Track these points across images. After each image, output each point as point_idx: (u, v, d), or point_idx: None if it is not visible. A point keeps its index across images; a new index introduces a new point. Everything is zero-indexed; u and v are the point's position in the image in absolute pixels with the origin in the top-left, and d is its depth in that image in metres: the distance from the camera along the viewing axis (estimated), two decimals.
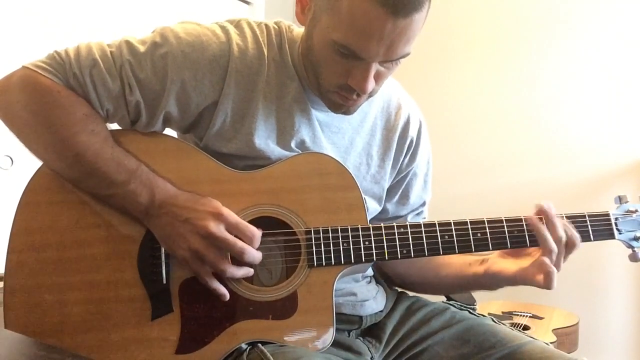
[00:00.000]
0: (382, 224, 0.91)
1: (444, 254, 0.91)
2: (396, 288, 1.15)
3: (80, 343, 0.84)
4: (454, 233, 0.90)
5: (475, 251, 0.91)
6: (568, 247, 0.90)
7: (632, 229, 0.95)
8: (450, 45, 2.80)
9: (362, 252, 0.89)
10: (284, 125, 0.93)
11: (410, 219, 1.10)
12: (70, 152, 0.84)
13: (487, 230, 0.91)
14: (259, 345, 0.85)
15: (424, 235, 0.90)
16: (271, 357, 0.81)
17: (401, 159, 1.05)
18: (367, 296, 1.01)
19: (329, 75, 0.85)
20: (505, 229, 0.91)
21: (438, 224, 0.91)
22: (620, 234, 0.94)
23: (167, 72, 0.86)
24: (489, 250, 0.92)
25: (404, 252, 0.90)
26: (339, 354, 0.92)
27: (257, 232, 0.84)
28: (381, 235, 0.90)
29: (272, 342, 0.86)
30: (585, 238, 0.92)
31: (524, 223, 0.92)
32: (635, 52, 2.41)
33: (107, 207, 0.87)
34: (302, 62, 0.92)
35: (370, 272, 1.07)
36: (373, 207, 1.02)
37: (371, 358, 0.97)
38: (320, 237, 0.89)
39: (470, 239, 0.91)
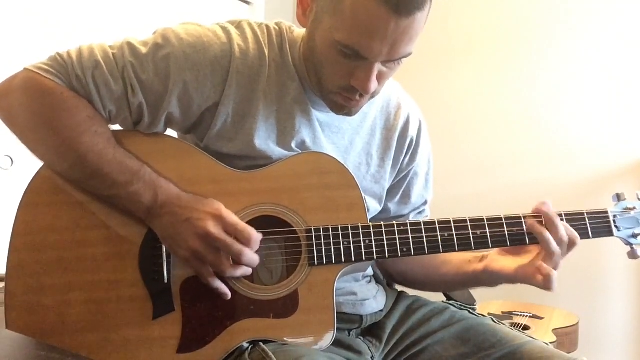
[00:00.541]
0: (382, 223, 0.91)
1: (444, 251, 0.91)
2: (396, 287, 1.15)
3: (81, 343, 0.84)
4: (453, 231, 0.91)
5: (475, 249, 0.92)
6: (568, 246, 0.90)
7: (630, 226, 0.95)
8: (450, 45, 2.80)
9: (363, 251, 0.89)
10: (284, 125, 0.93)
11: (412, 218, 1.10)
12: (73, 153, 0.85)
13: (487, 229, 0.91)
14: (261, 344, 0.85)
15: (424, 233, 0.90)
16: (273, 356, 0.81)
17: (401, 159, 1.06)
18: (368, 295, 1.01)
19: (332, 76, 0.85)
20: (505, 227, 0.91)
21: (438, 222, 0.91)
22: (618, 231, 0.94)
23: (169, 73, 0.86)
24: (488, 248, 0.92)
25: (404, 250, 0.90)
26: (340, 353, 0.92)
27: (255, 235, 0.84)
28: (381, 233, 0.90)
29: (274, 340, 0.86)
30: (583, 235, 0.92)
31: (523, 221, 0.92)
32: (635, 52, 2.41)
33: (108, 207, 0.87)
34: (303, 63, 0.92)
35: (370, 271, 1.07)
36: (373, 207, 1.03)
37: (371, 357, 0.97)
38: (320, 236, 0.89)
39: (470, 237, 0.91)
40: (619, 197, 0.97)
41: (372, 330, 1.02)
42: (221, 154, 0.91)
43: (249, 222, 0.87)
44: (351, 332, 1.00)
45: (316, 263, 0.88)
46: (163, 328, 0.86)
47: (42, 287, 0.85)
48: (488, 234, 0.91)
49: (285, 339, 0.87)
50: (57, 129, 0.84)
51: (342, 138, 0.99)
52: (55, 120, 0.84)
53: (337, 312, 0.89)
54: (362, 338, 1.00)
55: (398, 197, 1.08)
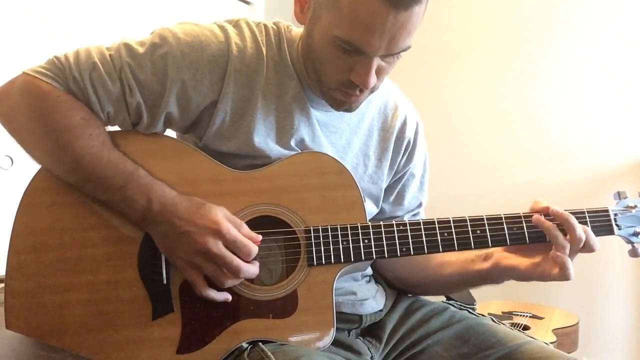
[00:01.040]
0: (381, 222, 0.91)
1: (443, 251, 0.91)
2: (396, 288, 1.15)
3: (81, 343, 0.84)
4: (453, 230, 0.91)
5: (475, 248, 0.92)
6: (584, 245, 0.89)
7: (631, 225, 0.95)
8: (450, 45, 2.80)
9: (362, 250, 0.89)
10: (283, 124, 0.93)
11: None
12: (68, 157, 0.85)
13: (487, 228, 0.91)
14: (260, 344, 0.85)
15: (423, 233, 0.90)
16: (272, 356, 0.81)
17: (398, 160, 1.06)
18: (367, 295, 1.01)
19: (331, 72, 0.85)
20: (505, 226, 0.91)
21: (437, 221, 0.91)
22: (619, 229, 0.94)
23: (167, 72, 0.86)
24: (488, 247, 0.92)
25: (404, 249, 0.90)
26: (339, 353, 0.91)
27: (254, 249, 0.84)
28: (380, 233, 0.90)
29: (273, 341, 0.86)
30: None
31: (523, 220, 0.92)
32: (635, 52, 2.41)
33: (107, 208, 0.87)
34: (301, 61, 0.92)
35: (369, 271, 1.07)
36: (370, 208, 1.02)
37: (371, 358, 0.97)
38: (319, 236, 0.89)
39: (469, 236, 0.91)
40: (619, 196, 0.97)
41: (372, 331, 1.02)
42: (220, 153, 0.91)
43: (248, 222, 0.87)
44: (351, 332, 1.00)
45: (315, 263, 0.88)
46: (162, 329, 0.85)
47: (41, 287, 0.85)
48: (488, 234, 0.91)
49: (284, 339, 0.87)
50: (53, 133, 0.84)
51: (339, 138, 0.99)
52: (50, 123, 0.84)
53: (336, 312, 0.89)
54: (361, 338, 1.00)
55: (392, 197, 1.08)
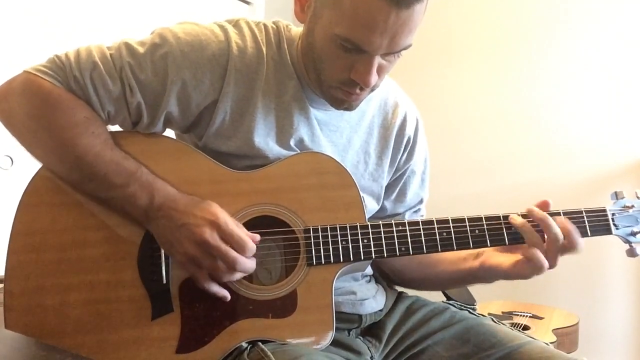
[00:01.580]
0: (380, 222, 0.91)
1: (442, 250, 0.91)
2: (396, 287, 1.15)
3: (80, 343, 0.84)
4: (452, 230, 0.91)
5: (474, 248, 0.92)
6: (568, 242, 0.89)
7: (629, 224, 0.95)
8: (450, 45, 2.80)
9: (361, 250, 0.89)
10: (282, 123, 0.93)
11: (408, 217, 1.10)
12: (70, 155, 0.85)
13: (485, 227, 0.91)
14: (259, 343, 0.85)
15: (422, 232, 0.91)
16: (271, 356, 0.81)
17: (399, 157, 1.06)
18: (367, 295, 1.01)
19: (332, 70, 0.86)
20: (503, 225, 0.92)
21: (436, 221, 0.91)
22: (617, 229, 0.94)
23: (167, 72, 0.86)
24: (486, 246, 0.92)
25: (403, 249, 0.90)
26: (339, 353, 0.91)
27: (250, 244, 0.84)
28: (380, 233, 0.90)
29: (272, 340, 0.86)
30: (582, 233, 0.92)
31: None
32: (635, 52, 2.41)
33: (107, 208, 0.88)
34: (301, 60, 0.92)
35: (369, 271, 1.07)
36: (371, 206, 1.03)
37: (371, 357, 0.97)
38: (319, 236, 0.89)
39: (468, 235, 0.91)
40: (617, 195, 0.97)
41: (372, 330, 1.02)
42: (219, 153, 0.91)
43: (248, 222, 0.87)
44: (351, 332, 1.00)
45: (314, 263, 0.88)
46: (162, 328, 0.86)
47: (41, 287, 0.85)
48: (486, 233, 0.91)
49: (284, 338, 0.87)
50: (54, 131, 0.84)
51: (340, 136, 0.99)
52: (52, 121, 0.84)
53: (336, 312, 0.89)
54: (361, 338, 1.00)
55: (394, 195, 1.08)
